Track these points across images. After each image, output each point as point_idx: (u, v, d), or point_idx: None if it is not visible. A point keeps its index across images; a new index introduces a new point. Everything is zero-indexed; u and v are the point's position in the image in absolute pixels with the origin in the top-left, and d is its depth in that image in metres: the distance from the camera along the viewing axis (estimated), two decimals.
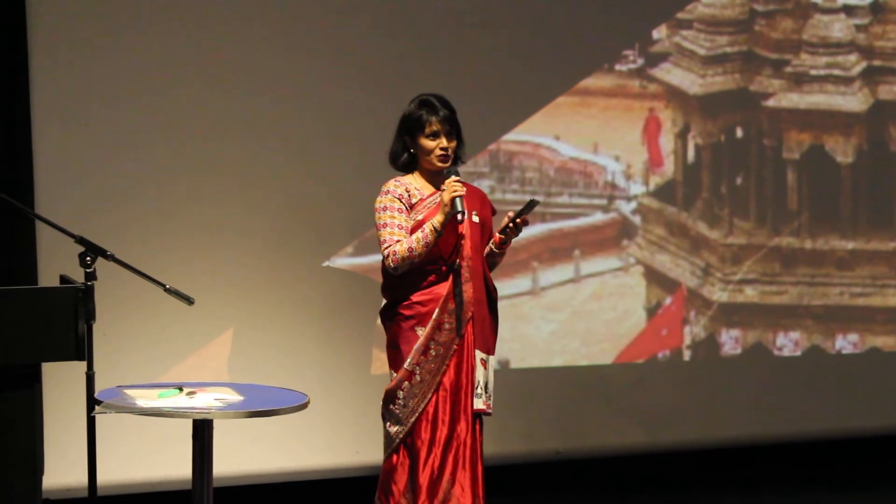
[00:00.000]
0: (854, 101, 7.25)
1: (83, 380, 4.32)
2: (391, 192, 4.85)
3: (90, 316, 4.24)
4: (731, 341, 7.06)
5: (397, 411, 4.83)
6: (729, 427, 7.02)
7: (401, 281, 4.85)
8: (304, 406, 4.43)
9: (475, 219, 4.88)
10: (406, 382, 4.82)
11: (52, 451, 5.35)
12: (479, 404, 4.86)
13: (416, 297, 4.84)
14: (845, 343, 7.29)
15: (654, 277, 6.89)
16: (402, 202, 4.83)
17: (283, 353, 6.07)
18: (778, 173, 7.13)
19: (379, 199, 4.86)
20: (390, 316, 4.90)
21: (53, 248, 5.44)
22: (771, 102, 7.10)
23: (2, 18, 5.65)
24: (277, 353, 6.06)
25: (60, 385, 5.40)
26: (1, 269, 5.61)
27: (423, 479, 4.77)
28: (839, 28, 7.22)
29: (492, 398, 4.91)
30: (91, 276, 4.28)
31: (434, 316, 4.81)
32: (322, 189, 6.13)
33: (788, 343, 7.18)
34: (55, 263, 5.27)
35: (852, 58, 7.24)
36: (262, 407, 4.33)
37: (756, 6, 7.05)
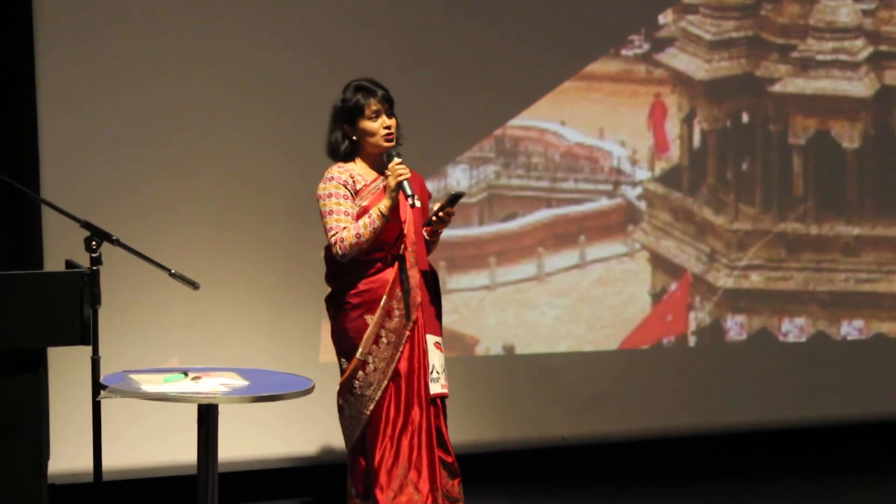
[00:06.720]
0: (860, 86, 7.23)
1: (88, 364, 4.32)
2: (335, 178, 4.81)
3: (95, 300, 4.24)
4: (736, 327, 7.06)
5: (353, 400, 4.83)
6: (733, 413, 7.01)
7: (347, 268, 4.82)
8: (309, 391, 4.44)
9: (417, 203, 4.81)
10: (360, 372, 4.81)
11: (58, 436, 5.34)
12: (436, 388, 4.85)
13: (363, 285, 4.81)
14: (850, 329, 7.28)
15: (660, 263, 6.88)
16: (346, 188, 4.80)
17: (288, 339, 6.07)
18: (784, 159, 7.11)
19: (322, 185, 4.82)
20: (337, 304, 4.88)
21: (59, 232, 5.44)
22: (777, 88, 7.08)
23: (8, 9, 5.64)
24: (283, 339, 6.06)
25: (66, 370, 5.41)
26: (6, 254, 5.61)
27: (379, 464, 4.77)
28: (846, 13, 7.20)
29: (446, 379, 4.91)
30: (96, 261, 4.29)
31: (382, 303, 4.79)
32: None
33: (794, 329, 7.17)
34: (61, 248, 5.26)
35: (859, 43, 7.22)
36: (267, 392, 4.33)
37: None
